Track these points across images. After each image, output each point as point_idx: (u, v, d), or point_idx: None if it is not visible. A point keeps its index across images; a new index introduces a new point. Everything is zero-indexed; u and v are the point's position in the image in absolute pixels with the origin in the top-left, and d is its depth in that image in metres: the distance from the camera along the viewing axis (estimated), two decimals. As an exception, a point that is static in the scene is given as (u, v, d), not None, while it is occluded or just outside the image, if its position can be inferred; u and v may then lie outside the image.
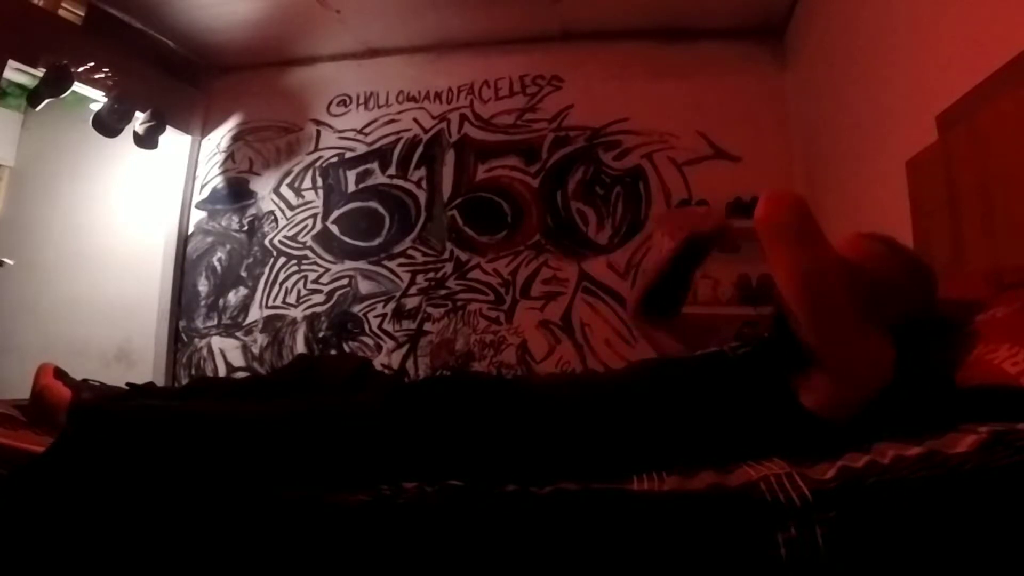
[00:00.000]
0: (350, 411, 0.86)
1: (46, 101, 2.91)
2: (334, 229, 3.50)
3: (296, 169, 3.61)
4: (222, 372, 3.48)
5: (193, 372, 3.54)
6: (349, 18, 3.26)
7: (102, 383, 1.20)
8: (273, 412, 0.85)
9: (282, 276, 3.52)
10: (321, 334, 3.40)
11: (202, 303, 3.59)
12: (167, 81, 3.52)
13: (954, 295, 1.10)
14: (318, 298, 3.45)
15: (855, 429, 0.82)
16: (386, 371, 3.15)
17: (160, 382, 3.36)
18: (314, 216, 3.54)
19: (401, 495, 0.72)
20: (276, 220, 3.59)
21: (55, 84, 2.87)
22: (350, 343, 3.37)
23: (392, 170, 3.49)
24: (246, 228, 3.62)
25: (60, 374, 1.16)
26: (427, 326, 3.31)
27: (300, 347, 3.42)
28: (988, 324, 0.96)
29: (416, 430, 0.83)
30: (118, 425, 0.78)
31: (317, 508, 0.71)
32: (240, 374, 3.42)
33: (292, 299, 3.48)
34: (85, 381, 1.18)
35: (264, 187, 3.63)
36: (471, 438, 0.84)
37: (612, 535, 0.66)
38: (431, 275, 3.34)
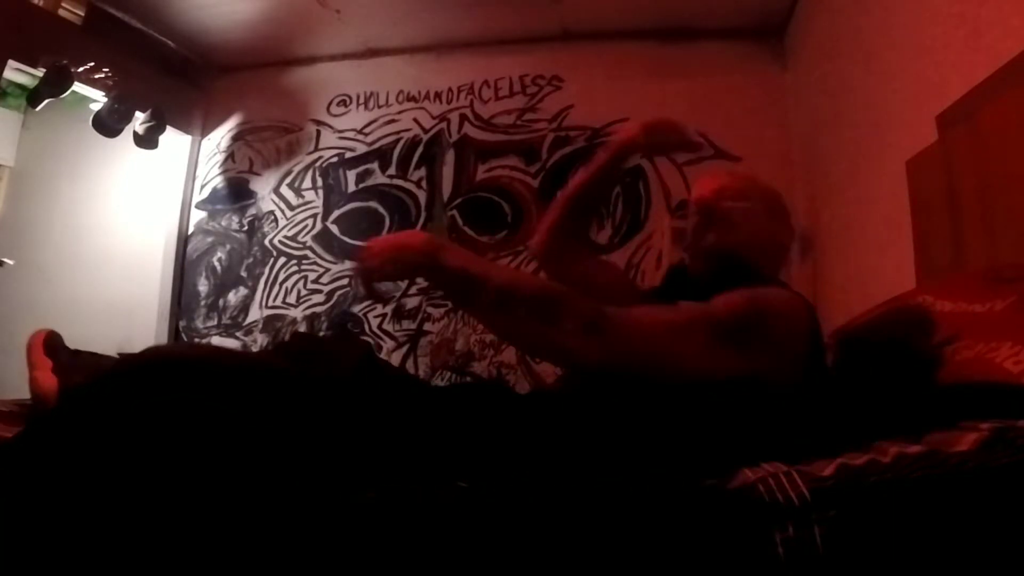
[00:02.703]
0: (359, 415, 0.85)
1: (46, 101, 2.91)
2: (334, 229, 3.50)
3: (296, 169, 3.61)
4: (222, 372, 3.47)
5: (193, 372, 3.53)
6: (349, 18, 3.26)
7: (95, 353, 1.14)
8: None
9: (282, 276, 3.52)
10: (321, 334, 3.40)
11: (202, 303, 3.60)
12: (167, 81, 3.52)
13: (950, 293, 1.10)
14: (318, 298, 3.45)
15: (852, 429, 0.82)
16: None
17: (160, 382, 3.36)
18: (314, 216, 3.54)
19: (404, 494, 0.72)
20: (276, 220, 3.59)
21: (55, 84, 2.87)
22: (350, 343, 3.37)
23: (392, 170, 3.49)
24: (246, 228, 3.62)
25: (51, 347, 1.10)
26: (427, 326, 3.31)
27: (300, 347, 3.42)
28: (986, 319, 0.95)
29: (429, 432, 0.83)
30: (105, 423, 0.76)
31: (317, 507, 0.71)
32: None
33: (292, 299, 3.48)
34: (78, 354, 1.12)
35: (264, 187, 3.63)
36: (478, 440, 0.84)
37: (611, 535, 0.66)
38: (431, 275, 3.34)
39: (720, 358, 0.88)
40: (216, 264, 3.63)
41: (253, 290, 3.54)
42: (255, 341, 3.47)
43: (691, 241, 1.20)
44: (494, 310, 0.88)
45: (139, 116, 3.26)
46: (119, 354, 1.08)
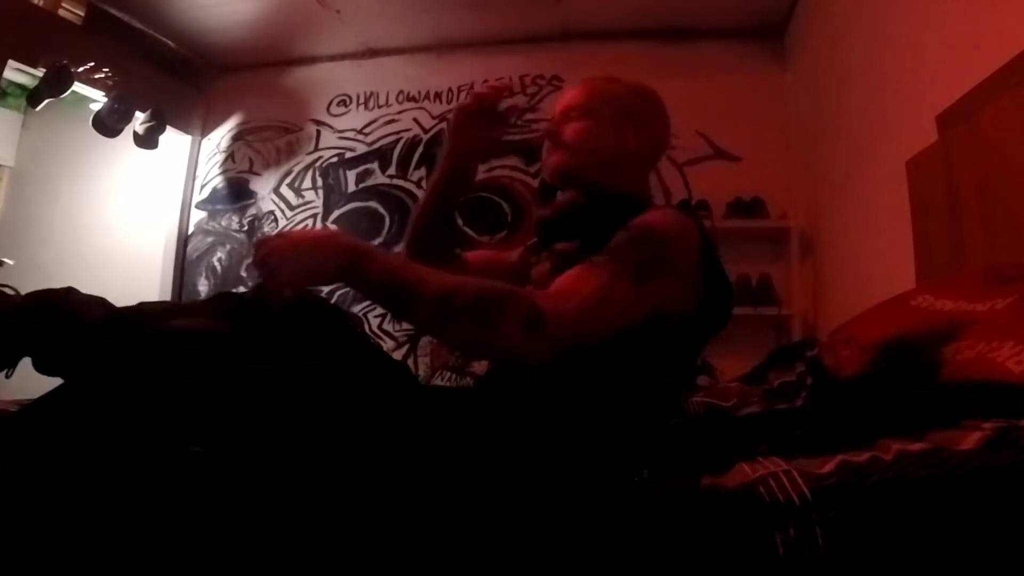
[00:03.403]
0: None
1: (46, 101, 2.91)
2: (334, 229, 3.50)
3: (296, 169, 3.61)
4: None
5: (193, 372, 3.53)
6: (349, 18, 3.26)
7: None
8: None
9: (282, 276, 3.51)
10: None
11: (202, 303, 3.59)
12: (167, 81, 3.52)
13: (951, 293, 1.10)
14: (318, 298, 3.45)
15: (852, 425, 0.82)
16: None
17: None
18: (314, 216, 3.54)
19: (404, 491, 0.72)
20: (276, 220, 3.59)
21: (55, 84, 2.87)
22: (350, 343, 3.37)
23: (392, 170, 3.49)
24: (246, 228, 3.62)
25: None
26: (427, 326, 3.30)
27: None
28: (987, 319, 0.95)
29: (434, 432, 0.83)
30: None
31: (318, 503, 0.71)
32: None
33: (292, 299, 3.48)
34: None
35: (264, 187, 3.63)
36: (477, 440, 0.84)
37: (609, 535, 0.65)
38: (431, 275, 3.34)
39: (645, 299, 0.87)
40: (216, 264, 3.63)
41: (253, 290, 3.54)
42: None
43: (542, 167, 1.21)
44: (432, 318, 0.80)
45: (139, 116, 3.26)
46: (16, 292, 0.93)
